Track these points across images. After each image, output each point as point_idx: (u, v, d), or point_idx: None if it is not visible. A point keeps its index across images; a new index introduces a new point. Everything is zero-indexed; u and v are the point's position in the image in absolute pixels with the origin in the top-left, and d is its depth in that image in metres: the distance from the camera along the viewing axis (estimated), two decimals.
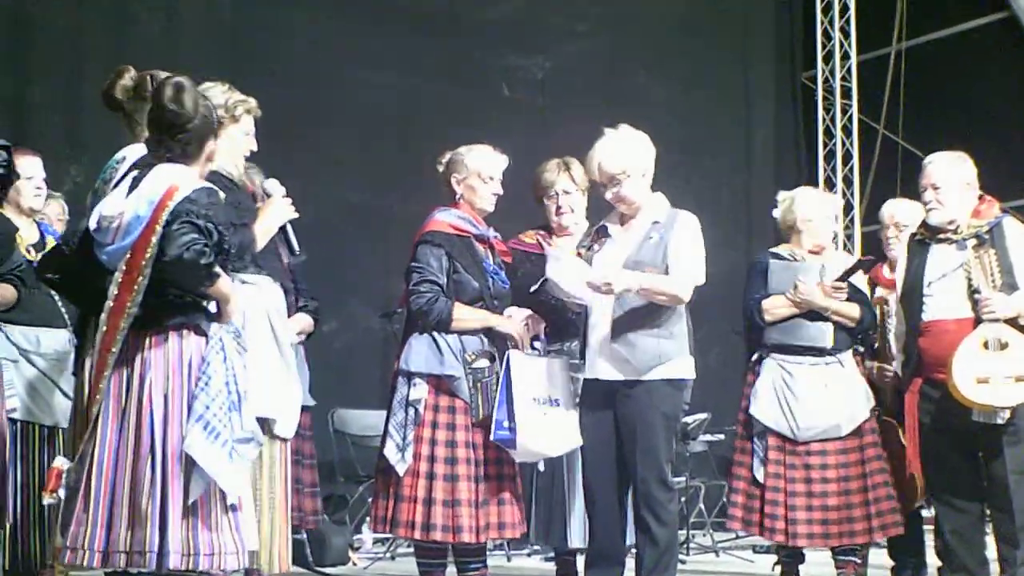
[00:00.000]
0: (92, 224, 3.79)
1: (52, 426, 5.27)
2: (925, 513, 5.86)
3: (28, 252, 5.29)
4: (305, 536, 6.45)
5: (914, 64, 10.62)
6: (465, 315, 4.86)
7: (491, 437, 4.75)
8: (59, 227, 5.72)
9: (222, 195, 3.83)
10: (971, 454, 5.04)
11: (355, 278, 8.55)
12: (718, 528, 8.49)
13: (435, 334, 4.84)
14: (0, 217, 5.16)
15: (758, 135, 11.09)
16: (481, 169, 5.02)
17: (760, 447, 5.57)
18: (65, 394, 5.15)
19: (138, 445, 3.64)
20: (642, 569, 4.74)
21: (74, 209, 5.83)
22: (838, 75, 11.05)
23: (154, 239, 3.61)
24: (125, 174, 3.95)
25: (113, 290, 3.65)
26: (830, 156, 11.11)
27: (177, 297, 3.70)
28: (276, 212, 4.52)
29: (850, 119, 11.07)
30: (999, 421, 4.85)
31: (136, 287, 3.63)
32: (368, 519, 5.40)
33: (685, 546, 7.85)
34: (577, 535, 5.18)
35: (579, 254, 5.02)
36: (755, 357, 5.71)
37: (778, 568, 5.86)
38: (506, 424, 4.73)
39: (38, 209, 5.51)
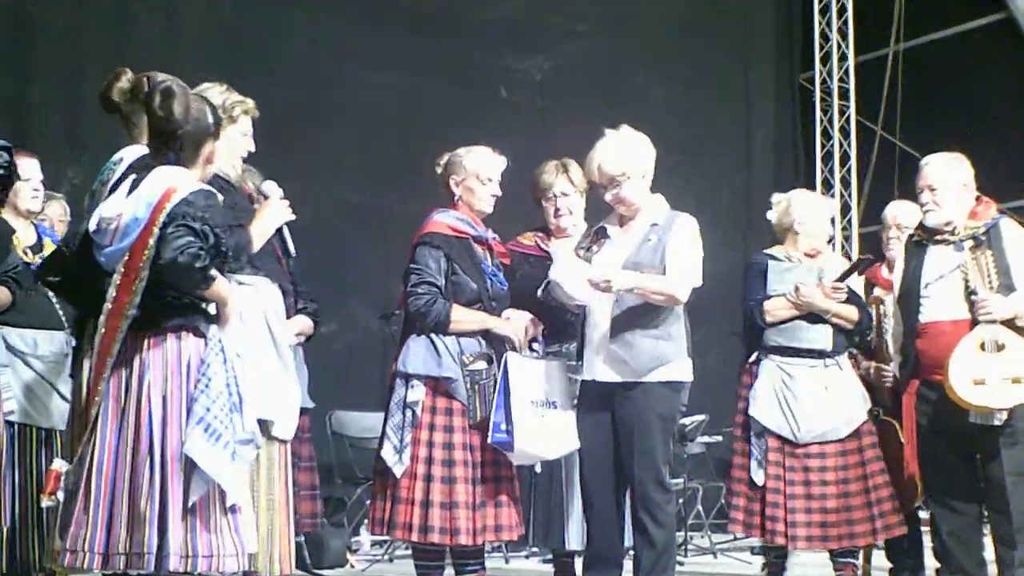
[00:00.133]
0: (92, 226, 3.79)
1: (49, 429, 5.26)
2: (922, 514, 5.86)
3: (25, 254, 5.28)
4: (303, 539, 6.44)
5: (912, 65, 10.62)
6: (463, 317, 4.86)
7: (488, 440, 4.74)
8: (61, 228, 5.71)
9: (220, 197, 3.83)
10: (968, 456, 5.04)
11: (354, 279, 8.55)
12: (716, 530, 8.50)
13: (433, 336, 4.83)
14: None
15: (756, 136, 11.10)
16: (480, 171, 5.02)
17: (758, 449, 5.57)
18: (63, 396, 5.14)
19: (137, 447, 3.64)
20: (640, 571, 4.74)
21: (72, 211, 5.84)
22: (836, 76, 11.05)
23: (151, 241, 3.61)
24: (123, 175, 3.95)
25: (111, 292, 3.65)
26: (828, 157, 11.12)
27: (175, 299, 3.70)
28: (273, 214, 4.52)
29: (848, 120, 11.07)
30: (996, 423, 4.85)
31: (134, 289, 3.62)
32: (366, 521, 5.40)
33: (683, 548, 7.86)
34: (575, 537, 5.18)
35: (578, 255, 5.02)
36: (752, 358, 5.71)
37: (766, 569, 5.88)
38: (503, 427, 4.73)
39: (36, 211, 5.51)
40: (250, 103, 4.51)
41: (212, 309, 3.78)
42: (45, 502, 3.73)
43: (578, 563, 5.26)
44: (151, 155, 3.85)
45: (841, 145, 11.06)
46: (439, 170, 5.13)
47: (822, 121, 11.15)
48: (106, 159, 4.13)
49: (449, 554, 4.98)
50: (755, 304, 5.62)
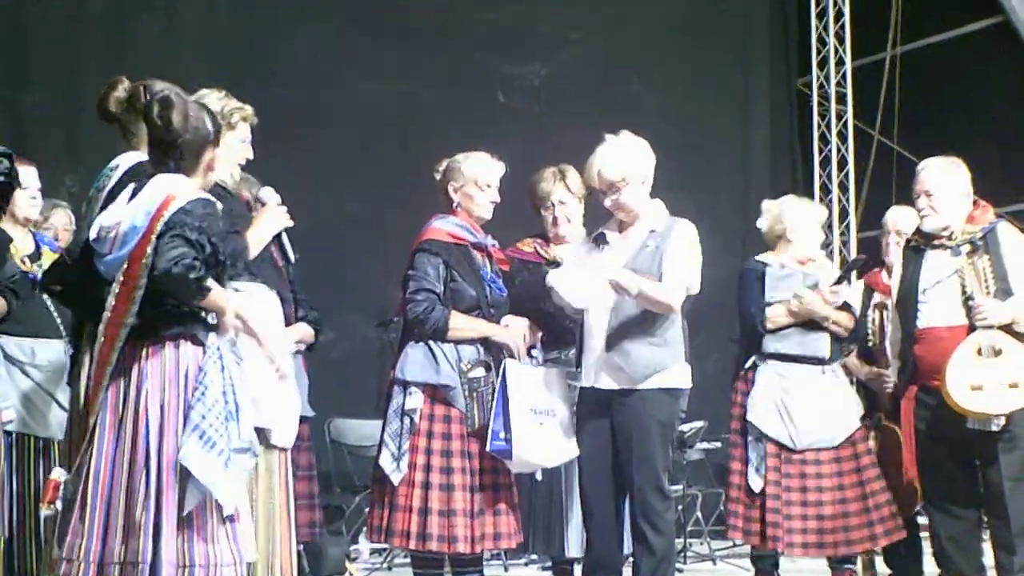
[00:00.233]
0: (92, 234, 3.78)
1: (47, 438, 5.25)
2: (921, 520, 5.86)
3: (23, 263, 5.27)
4: (302, 548, 6.43)
5: (909, 69, 10.61)
6: (461, 324, 4.85)
7: (487, 448, 4.73)
8: (65, 237, 5.71)
9: (219, 205, 3.82)
10: (967, 461, 5.04)
11: (352, 286, 8.53)
12: (715, 536, 8.48)
13: (431, 343, 4.83)
14: None
15: (754, 141, 11.08)
16: (478, 177, 5.02)
17: (756, 455, 5.57)
18: (61, 405, 5.14)
19: (134, 456, 3.63)
20: None
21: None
22: (833, 81, 11.04)
23: (150, 249, 3.61)
24: (120, 182, 3.94)
25: (111, 301, 3.64)
26: (826, 162, 11.10)
27: (175, 307, 3.69)
28: (270, 220, 4.51)
29: (845, 125, 11.06)
30: (994, 428, 4.85)
31: (133, 298, 3.62)
32: (365, 529, 5.38)
33: (682, 555, 7.85)
34: (575, 544, 5.17)
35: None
36: (749, 364, 5.70)
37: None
38: (502, 435, 4.72)
39: (33, 219, 5.51)
40: (248, 110, 4.51)
41: (212, 318, 3.77)
42: (44, 511, 3.73)
43: (577, 570, 5.25)
44: (151, 164, 3.84)
45: (839, 150, 11.05)
46: (437, 176, 5.12)
47: (820, 126, 11.14)
48: (104, 167, 4.13)
49: (448, 562, 4.97)
50: (757, 311, 5.62)
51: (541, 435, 4.79)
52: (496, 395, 4.76)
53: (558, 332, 5.15)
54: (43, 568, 4.44)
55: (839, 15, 11.04)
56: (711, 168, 10.61)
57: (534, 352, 5.08)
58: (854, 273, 5.79)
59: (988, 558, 5.09)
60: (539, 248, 5.41)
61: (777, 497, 5.51)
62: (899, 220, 5.90)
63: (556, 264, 5.19)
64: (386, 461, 4.80)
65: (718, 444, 8.38)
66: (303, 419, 4.65)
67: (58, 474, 3.74)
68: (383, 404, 4.97)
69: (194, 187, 3.78)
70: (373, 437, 4.99)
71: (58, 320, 5.31)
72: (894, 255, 5.72)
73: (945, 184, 5.04)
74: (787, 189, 8.81)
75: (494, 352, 4.90)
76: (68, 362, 4.90)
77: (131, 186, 3.81)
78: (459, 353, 4.82)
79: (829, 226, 10.93)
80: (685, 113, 10.43)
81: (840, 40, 11.05)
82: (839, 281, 5.57)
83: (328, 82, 8.73)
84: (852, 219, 10.96)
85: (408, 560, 5.25)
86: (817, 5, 11.12)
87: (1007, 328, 4.87)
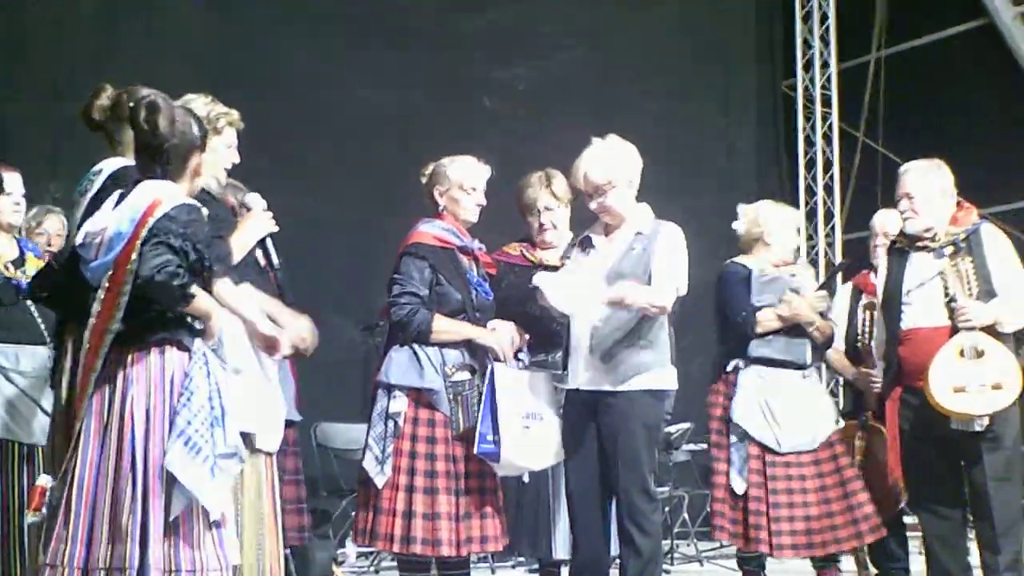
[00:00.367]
0: (78, 240, 3.78)
1: (31, 444, 5.23)
2: (908, 520, 5.88)
3: (6, 269, 5.25)
4: (288, 552, 6.42)
5: (894, 72, 10.65)
6: (445, 327, 4.85)
7: (475, 450, 4.73)
8: (58, 242, 5.70)
9: (205, 211, 3.81)
10: (952, 461, 5.05)
11: (337, 291, 8.52)
12: (702, 538, 8.49)
13: (416, 347, 4.83)
14: None
15: (739, 144, 11.11)
16: (463, 180, 5.01)
17: (738, 457, 5.59)
18: (45, 412, 5.11)
19: (119, 461, 3.62)
20: None
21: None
22: (818, 83, 11.08)
23: (135, 256, 3.60)
24: (104, 187, 3.93)
25: (96, 307, 3.63)
26: (811, 164, 11.14)
27: (160, 313, 3.68)
28: (255, 225, 4.50)
29: (830, 127, 11.09)
30: (977, 428, 4.87)
31: (118, 304, 3.61)
32: (352, 533, 5.38)
33: (669, 556, 7.86)
34: (562, 546, 5.17)
35: (563, 264, 5.02)
36: (731, 367, 5.72)
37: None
38: (490, 437, 4.72)
39: (17, 225, 5.49)
40: (235, 114, 4.50)
41: (199, 323, 3.76)
42: (30, 518, 3.72)
43: (564, 572, 5.26)
44: (138, 170, 3.83)
45: (824, 152, 11.08)
46: (424, 180, 5.12)
47: (805, 128, 11.17)
48: (86, 173, 4.12)
49: (435, 565, 4.96)
50: (748, 315, 5.64)
51: (529, 438, 4.80)
52: (483, 398, 4.76)
53: (545, 335, 5.15)
54: (27, 574, 4.44)
55: (824, 18, 11.08)
56: (697, 170, 10.62)
57: (520, 355, 5.08)
58: (839, 277, 5.83)
59: (975, 557, 5.10)
60: (525, 252, 5.42)
61: (760, 499, 5.54)
62: (887, 223, 5.92)
63: (543, 267, 5.19)
64: (370, 464, 4.80)
65: (704, 446, 8.31)
66: (290, 423, 4.64)
67: (44, 480, 3.73)
68: (369, 408, 4.97)
69: (180, 193, 3.77)
70: (359, 441, 4.98)
71: (42, 326, 5.29)
72: (881, 257, 5.75)
73: (926, 187, 5.06)
74: (772, 191, 8.86)
75: (479, 356, 4.90)
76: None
77: (117, 192, 3.80)
78: (443, 357, 4.82)
79: (814, 228, 10.98)
80: (670, 116, 10.45)
81: (825, 43, 11.09)
82: (823, 287, 5.63)
83: (314, 90, 8.72)
84: (837, 221, 10.99)
85: (395, 563, 5.24)
86: (802, 8, 11.16)
87: (990, 329, 4.89)
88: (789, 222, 5.92)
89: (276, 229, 4.56)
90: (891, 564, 5.86)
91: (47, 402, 5.07)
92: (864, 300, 5.85)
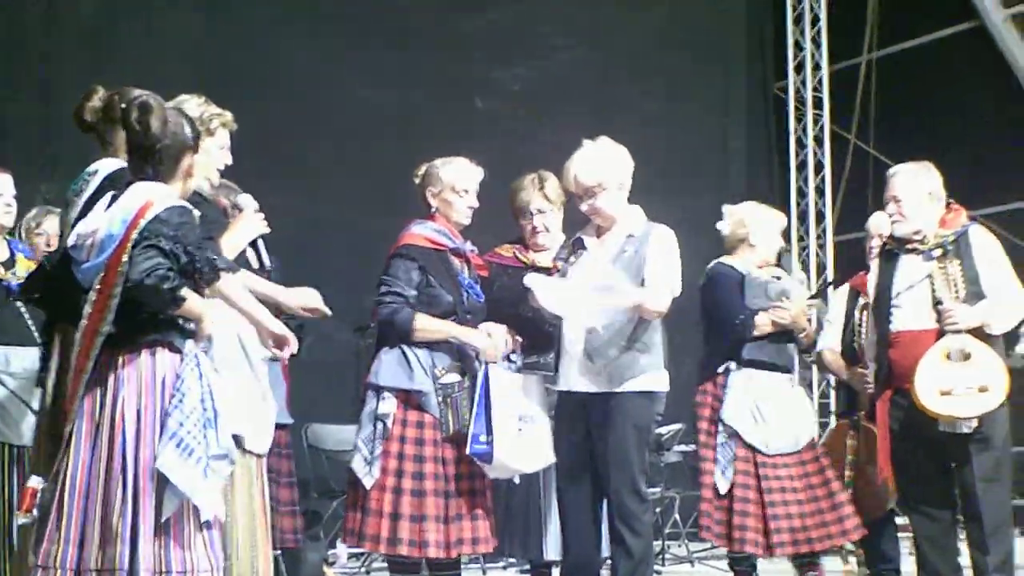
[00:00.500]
0: (69, 241, 3.77)
1: (21, 446, 5.22)
2: (900, 520, 5.90)
3: None
4: (279, 553, 6.42)
5: (885, 74, 10.68)
6: (428, 325, 4.85)
7: (467, 451, 4.74)
8: (57, 244, 5.67)
9: (196, 213, 3.80)
10: (941, 462, 5.06)
11: (328, 291, 8.47)
12: (693, 538, 8.46)
13: (405, 348, 4.83)
14: None
15: (731, 146, 11.13)
16: (456, 182, 5.02)
17: (723, 457, 5.62)
18: (35, 413, 5.09)
19: (110, 463, 3.61)
20: None
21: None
22: (810, 85, 11.10)
23: (125, 258, 3.59)
24: (100, 189, 3.93)
25: (87, 309, 3.63)
26: (802, 166, 11.16)
27: (151, 315, 3.68)
28: (247, 226, 4.50)
29: (822, 129, 11.11)
30: (965, 430, 4.87)
31: (109, 306, 3.60)
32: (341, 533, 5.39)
33: (660, 557, 7.87)
34: (553, 547, 5.17)
35: (555, 266, 5.03)
36: (722, 368, 5.74)
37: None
38: (483, 438, 4.73)
39: (8, 226, 5.48)
40: (228, 115, 4.50)
41: (191, 325, 3.76)
42: (21, 519, 3.71)
43: (556, 573, 5.26)
44: (131, 171, 3.83)
45: (815, 154, 11.10)
46: (417, 180, 5.12)
47: (796, 130, 11.19)
48: (78, 174, 4.11)
49: (426, 566, 4.97)
50: (747, 318, 5.66)
51: (522, 440, 4.80)
52: (477, 399, 4.77)
53: (537, 337, 5.14)
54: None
55: (815, 20, 11.10)
56: (689, 172, 10.63)
57: (513, 357, 5.08)
58: (830, 289, 5.90)
59: (965, 558, 5.11)
60: (518, 253, 5.42)
61: (747, 499, 5.56)
62: (882, 225, 5.91)
63: (535, 269, 5.20)
64: (359, 465, 4.80)
65: (696, 447, 8.39)
66: (282, 426, 4.64)
67: (35, 482, 3.72)
68: (359, 409, 4.97)
69: (172, 194, 3.76)
70: (350, 442, 4.98)
71: (32, 328, 5.28)
72: (874, 259, 5.77)
73: (914, 190, 5.08)
74: (764, 193, 8.86)
75: (468, 358, 4.90)
76: None
77: (110, 193, 3.80)
78: (433, 359, 4.83)
79: (806, 230, 11.00)
80: (662, 117, 10.47)
81: (817, 45, 11.11)
82: (815, 296, 5.69)
83: (315, 87, 8.73)
84: (828, 223, 11.01)
85: (386, 565, 5.24)
86: (794, 10, 11.18)
87: (977, 332, 4.90)
88: (774, 224, 5.96)
89: (268, 230, 4.56)
90: (882, 565, 5.87)
91: (37, 404, 5.06)
92: (862, 301, 5.87)
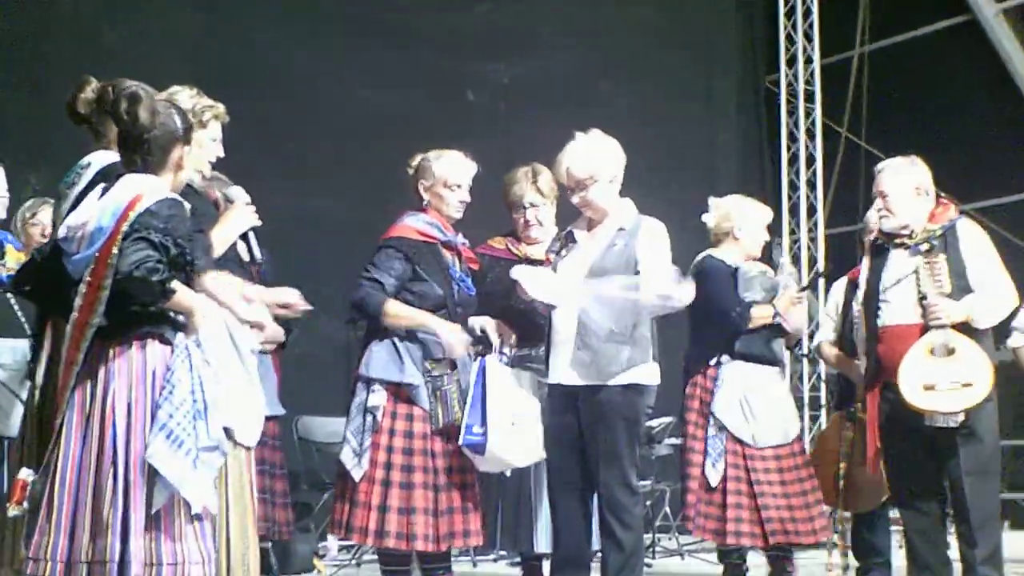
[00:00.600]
0: (60, 233, 3.76)
1: (11, 438, 5.21)
2: (891, 514, 5.92)
3: None
4: (269, 544, 6.41)
5: (877, 67, 10.68)
6: (399, 311, 4.85)
7: (460, 442, 4.74)
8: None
9: (187, 206, 3.80)
10: (931, 456, 5.07)
11: (318, 284, 8.47)
12: (684, 531, 8.49)
13: (396, 341, 4.84)
14: None
15: (722, 139, 11.12)
16: (448, 177, 5.01)
17: (715, 450, 5.63)
18: (26, 405, 5.10)
19: (101, 455, 3.61)
20: (608, 573, 4.76)
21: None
22: (801, 79, 11.10)
23: (115, 250, 3.58)
24: (92, 182, 3.92)
25: (78, 301, 3.62)
26: (794, 159, 11.16)
27: (142, 307, 3.67)
28: (237, 219, 4.49)
29: (813, 122, 11.11)
30: (952, 424, 4.88)
31: (99, 298, 3.59)
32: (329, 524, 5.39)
33: (651, 550, 7.88)
34: (544, 540, 5.18)
35: (547, 259, 5.03)
36: (714, 361, 5.74)
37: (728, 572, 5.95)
38: (476, 429, 4.73)
39: (1, 218, 5.47)
40: (220, 107, 4.49)
41: (182, 317, 3.75)
42: (12, 511, 3.70)
43: (546, 566, 5.27)
44: (122, 163, 3.82)
45: (807, 147, 11.10)
46: (410, 172, 5.11)
47: (788, 123, 11.19)
48: (69, 165, 4.10)
49: (417, 559, 4.97)
50: (743, 310, 5.67)
51: (514, 434, 4.81)
52: (473, 390, 4.77)
53: (529, 329, 5.15)
54: (5, 567, 4.42)
55: (807, 13, 11.10)
56: (680, 165, 10.62)
57: (505, 349, 5.08)
58: (821, 282, 5.90)
59: (955, 551, 5.13)
60: (511, 246, 5.42)
61: (739, 492, 5.58)
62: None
63: (528, 261, 5.20)
64: (347, 457, 4.81)
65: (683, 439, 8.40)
66: (273, 418, 4.64)
67: (26, 474, 3.72)
68: (349, 401, 4.97)
69: (163, 187, 3.76)
70: (341, 434, 4.99)
71: (23, 319, 5.28)
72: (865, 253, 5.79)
73: (901, 185, 5.07)
74: (755, 186, 8.86)
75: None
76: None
77: (101, 185, 3.79)
78: (424, 352, 4.82)
79: (797, 223, 11.00)
80: (654, 111, 10.45)
81: (808, 38, 11.11)
82: (805, 289, 5.70)
83: (315, 87, 8.72)
84: (820, 216, 11.02)
85: (377, 557, 5.25)
86: (786, 3, 11.17)
87: (964, 326, 4.90)
88: (759, 218, 5.97)
89: (259, 223, 4.56)
90: (873, 558, 5.89)
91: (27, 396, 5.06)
92: (859, 294, 5.90)
